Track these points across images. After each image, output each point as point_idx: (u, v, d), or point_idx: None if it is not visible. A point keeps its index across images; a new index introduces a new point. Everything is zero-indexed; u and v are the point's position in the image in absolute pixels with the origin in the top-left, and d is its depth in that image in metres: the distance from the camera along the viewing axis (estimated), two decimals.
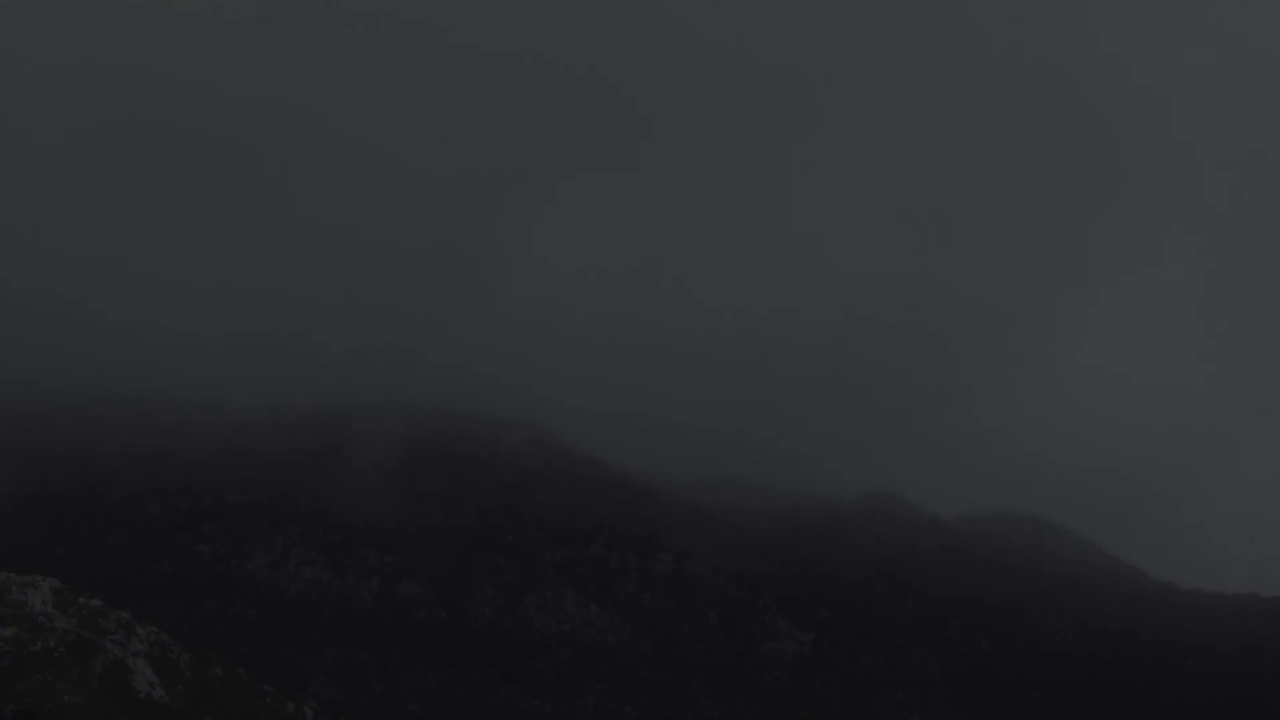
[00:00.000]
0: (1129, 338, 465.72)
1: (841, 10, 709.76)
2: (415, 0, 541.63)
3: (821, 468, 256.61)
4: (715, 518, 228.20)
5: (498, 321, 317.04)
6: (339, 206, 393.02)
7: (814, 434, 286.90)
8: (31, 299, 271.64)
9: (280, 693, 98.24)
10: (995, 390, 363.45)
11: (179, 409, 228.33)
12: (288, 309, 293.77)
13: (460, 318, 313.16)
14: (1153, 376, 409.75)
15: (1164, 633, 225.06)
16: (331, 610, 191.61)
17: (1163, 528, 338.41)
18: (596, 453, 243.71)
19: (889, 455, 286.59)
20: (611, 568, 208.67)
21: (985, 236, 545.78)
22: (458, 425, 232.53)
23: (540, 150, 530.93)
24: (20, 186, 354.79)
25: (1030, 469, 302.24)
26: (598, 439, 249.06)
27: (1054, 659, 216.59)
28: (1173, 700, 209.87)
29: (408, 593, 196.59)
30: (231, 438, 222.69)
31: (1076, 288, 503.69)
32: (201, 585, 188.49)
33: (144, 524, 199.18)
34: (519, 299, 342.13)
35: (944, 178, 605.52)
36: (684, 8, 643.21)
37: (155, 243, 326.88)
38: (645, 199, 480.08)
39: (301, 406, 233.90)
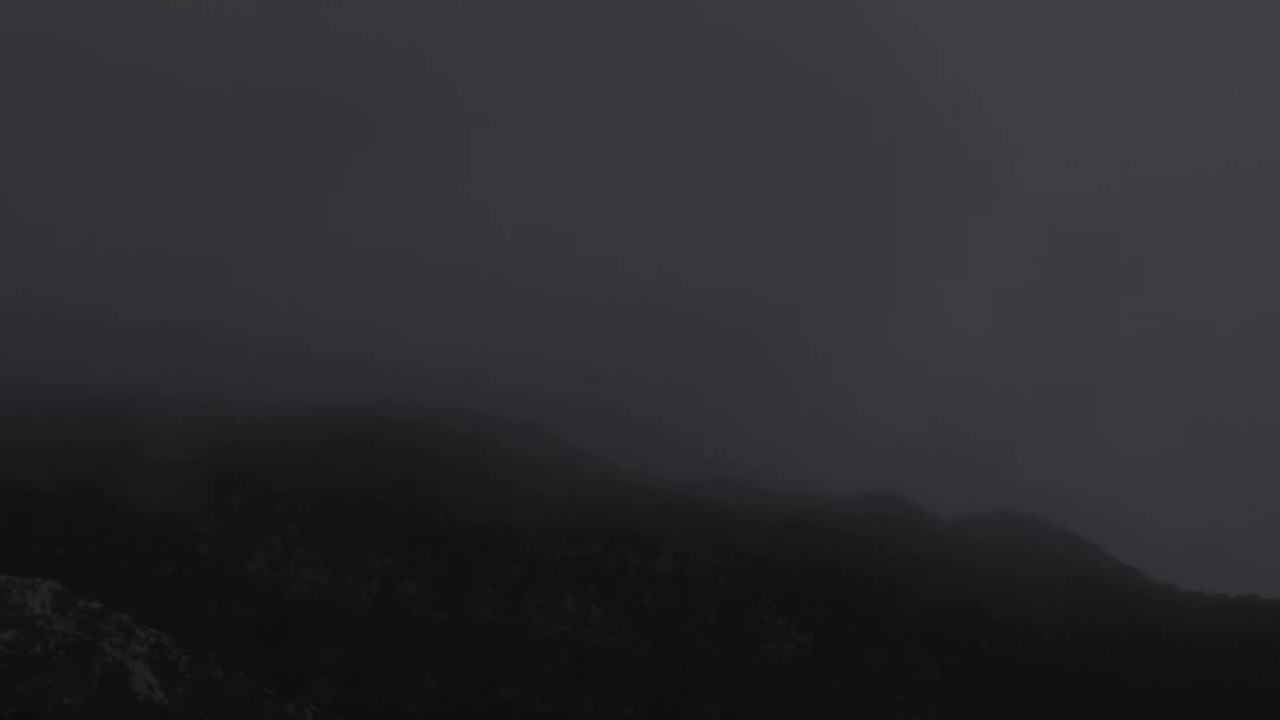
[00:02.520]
0: (939, 324, 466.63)
1: None
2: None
3: (661, 447, 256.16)
4: (715, 518, 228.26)
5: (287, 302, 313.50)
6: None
7: (646, 415, 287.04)
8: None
9: (280, 693, 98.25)
10: (825, 373, 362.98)
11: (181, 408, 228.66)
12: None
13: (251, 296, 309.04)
14: (958, 365, 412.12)
15: (1164, 633, 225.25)
16: (331, 610, 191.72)
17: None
18: (595, 451, 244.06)
19: (728, 438, 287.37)
20: (611, 568, 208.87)
21: (805, 225, 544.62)
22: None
23: (344, 126, 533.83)
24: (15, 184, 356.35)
25: (866, 449, 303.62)
26: (595, 438, 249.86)
27: (1054, 659, 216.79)
28: (1173, 700, 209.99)
29: (408, 593, 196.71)
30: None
31: (888, 276, 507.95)
32: (201, 585, 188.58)
33: (144, 524, 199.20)
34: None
35: (764, 164, 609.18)
36: None
37: None
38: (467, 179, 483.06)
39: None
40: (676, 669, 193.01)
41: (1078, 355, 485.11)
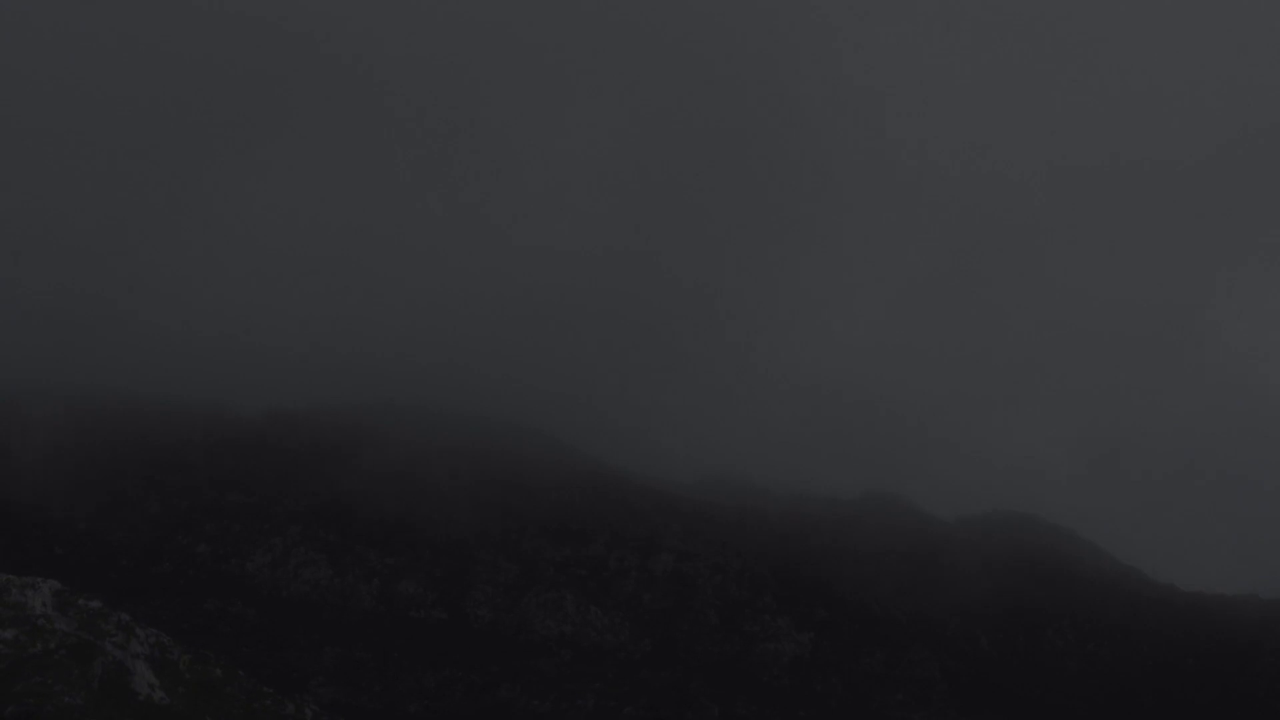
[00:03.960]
0: (836, 323, 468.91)
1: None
2: None
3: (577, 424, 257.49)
4: (715, 518, 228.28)
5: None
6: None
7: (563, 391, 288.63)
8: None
9: (280, 693, 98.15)
10: (724, 368, 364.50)
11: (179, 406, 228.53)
12: None
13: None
14: (858, 362, 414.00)
15: (1164, 633, 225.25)
16: (331, 610, 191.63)
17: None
18: (596, 452, 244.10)
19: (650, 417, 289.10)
20: (611, 568, 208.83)
21: (707, 229, 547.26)
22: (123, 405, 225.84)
23: (252, 106, 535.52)
24: (21, 184, 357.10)
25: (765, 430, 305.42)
26: (596, 439, 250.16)
27: (1054, 659, 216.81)
28: (1172, 700, 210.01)
29: (407, 593, 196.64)
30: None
31: (790, 266, 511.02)
32: (202, 585, 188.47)
33: (144, 524, 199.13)
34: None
35: (662, 167, 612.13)
36: None
37: None
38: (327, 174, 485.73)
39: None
40: (676, 669, 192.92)
41: (973, 344, 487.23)
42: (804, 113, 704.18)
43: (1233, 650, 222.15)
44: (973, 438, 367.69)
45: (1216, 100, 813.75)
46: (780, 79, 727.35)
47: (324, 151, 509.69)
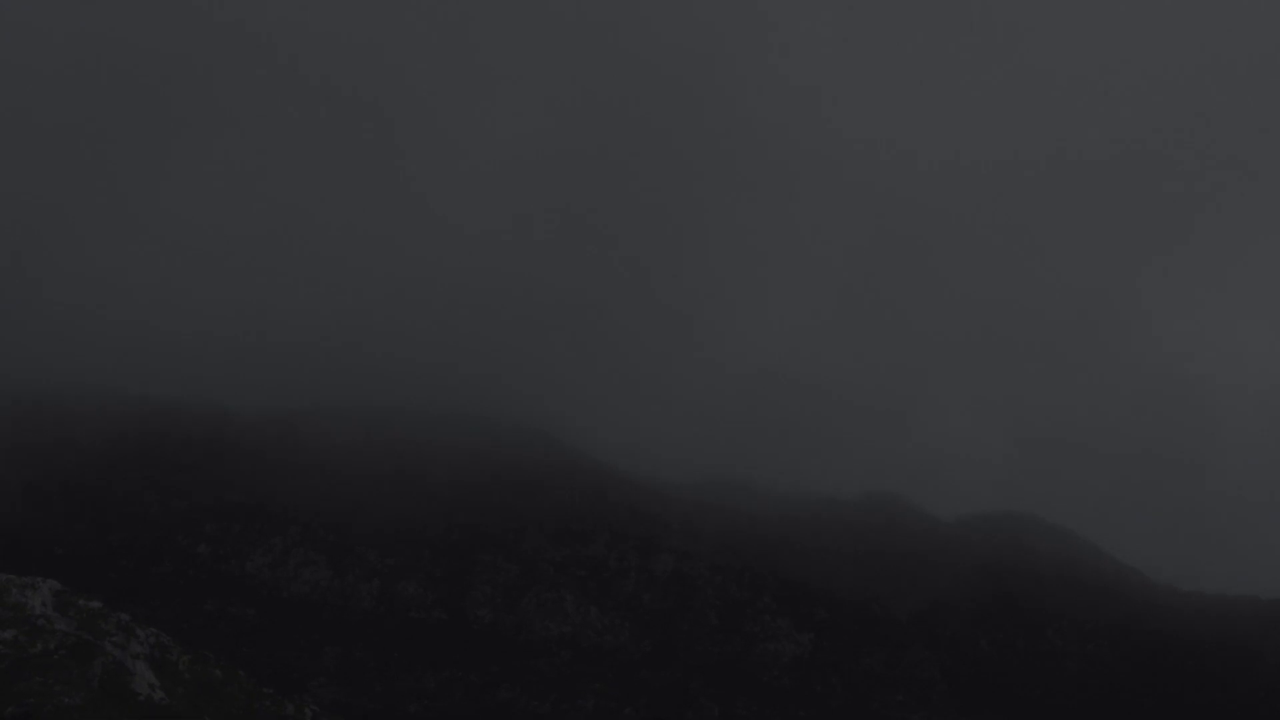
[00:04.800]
0: (772, 315, 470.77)
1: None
2: None
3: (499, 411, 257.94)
4: (715, 518, 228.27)
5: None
6: None
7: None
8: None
9: (280, 693, 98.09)
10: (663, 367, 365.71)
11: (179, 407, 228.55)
12: None
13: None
14: (800, 349, 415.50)
15: (1163, 633, 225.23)
16: (331, 610, 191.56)
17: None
18: (598, 454, 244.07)
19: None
20: (611, 568, 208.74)
21: (643, 225, 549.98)
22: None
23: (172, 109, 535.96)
24: (16, 185, 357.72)
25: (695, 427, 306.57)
26: (599, 441, 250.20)
27: (1054, 659, 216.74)
28: (1172, 701, 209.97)
29: (407, 593, 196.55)
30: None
31: (720, 262, 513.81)
32: (202, 585, 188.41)
33: (144, 524, 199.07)
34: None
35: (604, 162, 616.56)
36: None
37: None
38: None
39: None
40: (676, 669, 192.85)
41: (906, 335, 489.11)
42: (739, 105, 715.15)
43: (1232, 650, 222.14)
44: (906, 427, 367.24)
45: (1134, 95, 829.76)
46: (719, 70, 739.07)
47: (251, 145, 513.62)
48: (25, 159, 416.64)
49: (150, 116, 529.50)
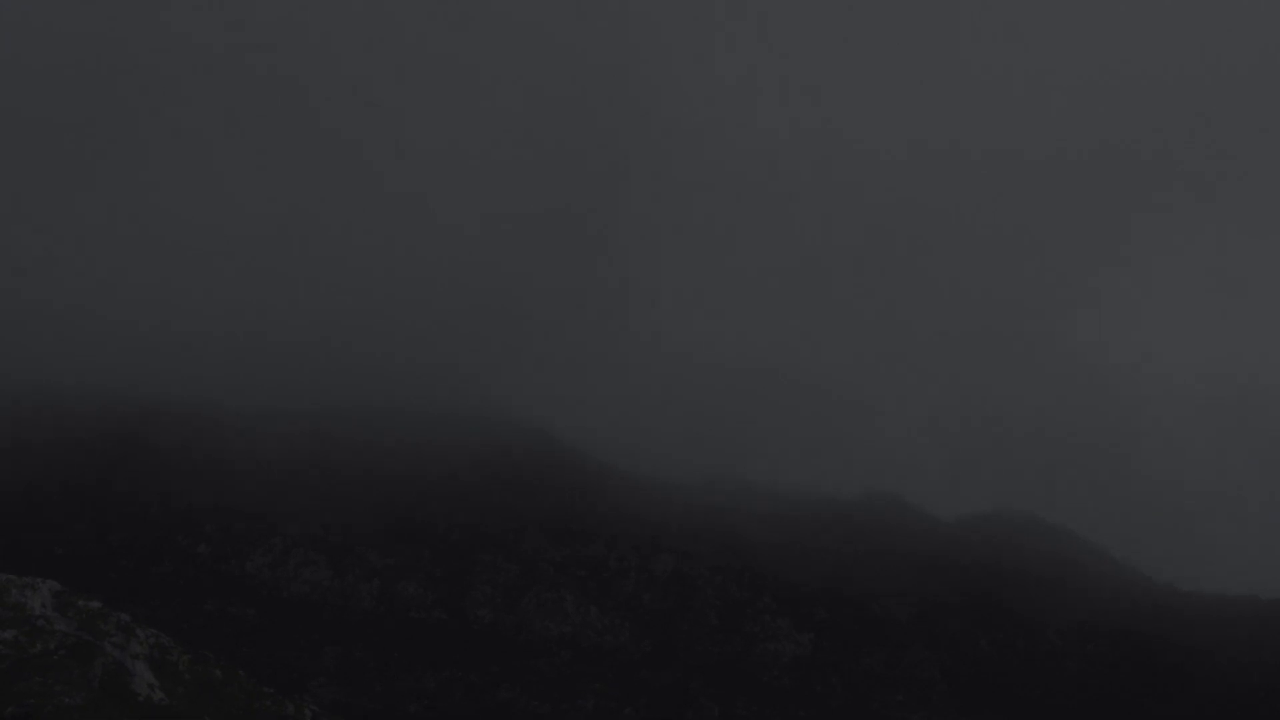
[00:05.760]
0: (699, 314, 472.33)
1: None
2: None
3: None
4: (715, 518, 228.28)
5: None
6: None
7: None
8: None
9: (280, 693, 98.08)
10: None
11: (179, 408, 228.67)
12: None
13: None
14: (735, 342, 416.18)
15: (1163, 633, 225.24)
16: (331, 610, 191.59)
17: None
18: (598, 454, 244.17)
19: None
20: (611, 568, 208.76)
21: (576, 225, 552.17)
22: None
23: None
24: (15, 183, 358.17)
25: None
26: (599, 441, 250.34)
27: (1054, 659, 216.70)
28: (1172, 701, 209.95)
29: (407, 593, 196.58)
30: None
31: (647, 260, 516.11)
32: (202, 585, 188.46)
33: (144, 524, 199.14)
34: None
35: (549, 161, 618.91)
36: None
37: None
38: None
39: None
40: (676, 669, 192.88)
41: (845, 332, 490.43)
42: (677, 100, 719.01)
43: (1231, 651, 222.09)
44: (837, 424, 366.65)
45: (1071, 101, 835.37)
46: (678, 65, 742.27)
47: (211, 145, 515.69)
48: (25, 159, 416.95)
49: (149, 116, 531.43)
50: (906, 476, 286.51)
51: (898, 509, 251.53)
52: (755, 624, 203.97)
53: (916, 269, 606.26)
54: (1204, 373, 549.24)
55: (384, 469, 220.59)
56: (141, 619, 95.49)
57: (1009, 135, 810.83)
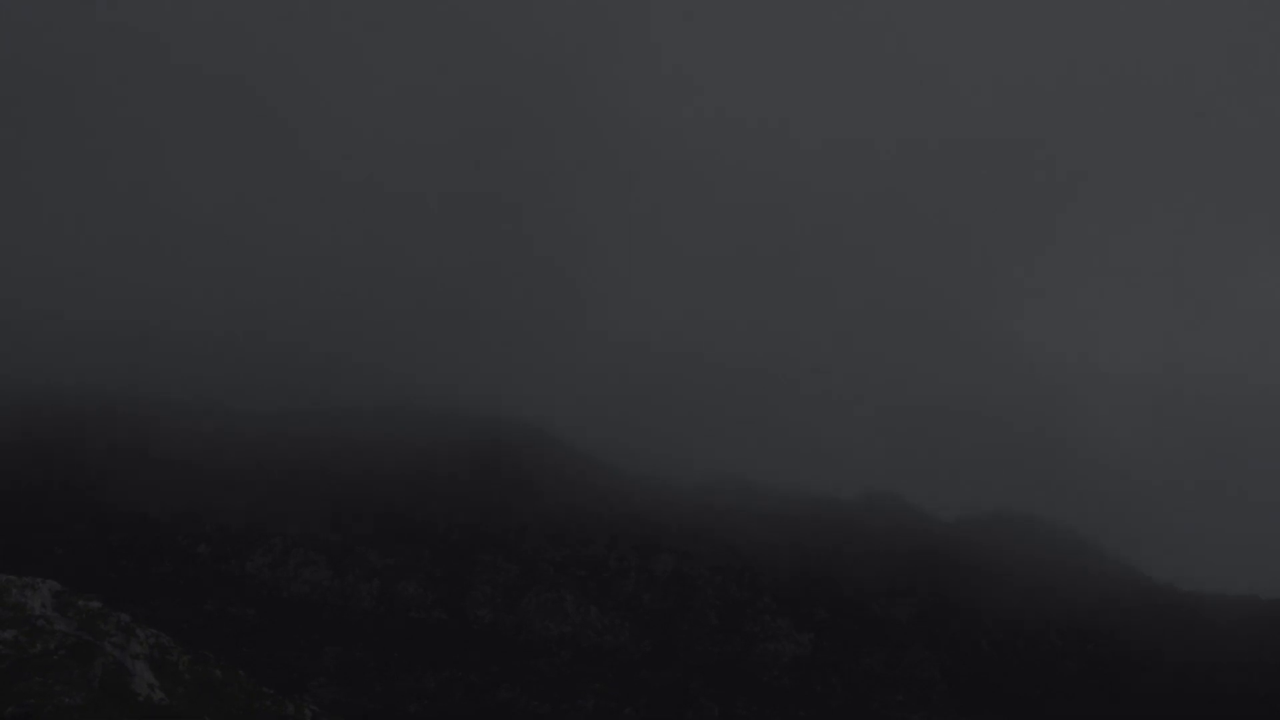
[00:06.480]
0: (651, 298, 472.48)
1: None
2: None
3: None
4: (715, 518, 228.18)
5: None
6: None
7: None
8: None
9: (280, 693, 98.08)
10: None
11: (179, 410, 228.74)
12: None
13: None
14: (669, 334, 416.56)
15: (1164, 633, 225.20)
16: (331, 610, 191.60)
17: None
18: (598, 454, 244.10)
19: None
20: (611, 568, 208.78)
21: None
22: None
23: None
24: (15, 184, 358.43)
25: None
26: (599, 441, 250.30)
27: (1053, 659, 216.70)
28: (1172, 701, 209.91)
29: (407, 593, 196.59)
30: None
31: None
32: (202, 585, 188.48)
33: (144, 524, 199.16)
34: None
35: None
36: None
37: None
38: None
39: None
40: (676, 669, 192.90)
41: (780, 321, 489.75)
42: (617, 94, 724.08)
43: (1232, 651, 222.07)
44: (778, 414, 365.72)
45: (1011, 90, 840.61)
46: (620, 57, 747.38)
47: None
48: (25, 159, 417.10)
49: (148, 116, 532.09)
50: (880, 475, 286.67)
51: (898, 509, 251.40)
52: (755, 624, 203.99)
53: (860, 259, 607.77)
54: (1141, 368, 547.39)
55: (384, 469, 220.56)
56: (141, 619, 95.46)
57: (948, 125, 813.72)
